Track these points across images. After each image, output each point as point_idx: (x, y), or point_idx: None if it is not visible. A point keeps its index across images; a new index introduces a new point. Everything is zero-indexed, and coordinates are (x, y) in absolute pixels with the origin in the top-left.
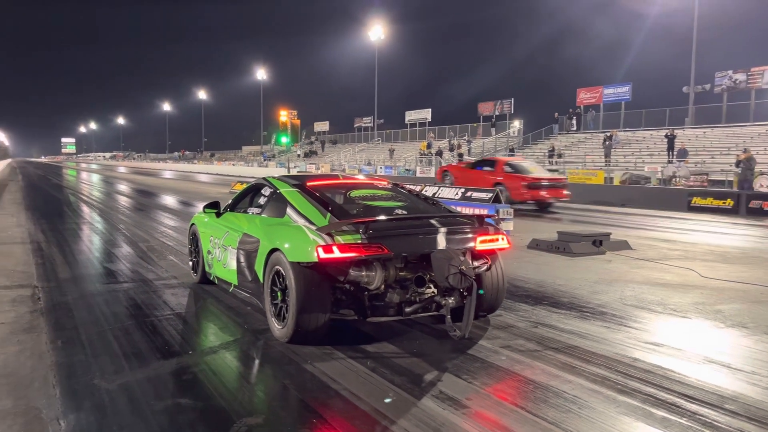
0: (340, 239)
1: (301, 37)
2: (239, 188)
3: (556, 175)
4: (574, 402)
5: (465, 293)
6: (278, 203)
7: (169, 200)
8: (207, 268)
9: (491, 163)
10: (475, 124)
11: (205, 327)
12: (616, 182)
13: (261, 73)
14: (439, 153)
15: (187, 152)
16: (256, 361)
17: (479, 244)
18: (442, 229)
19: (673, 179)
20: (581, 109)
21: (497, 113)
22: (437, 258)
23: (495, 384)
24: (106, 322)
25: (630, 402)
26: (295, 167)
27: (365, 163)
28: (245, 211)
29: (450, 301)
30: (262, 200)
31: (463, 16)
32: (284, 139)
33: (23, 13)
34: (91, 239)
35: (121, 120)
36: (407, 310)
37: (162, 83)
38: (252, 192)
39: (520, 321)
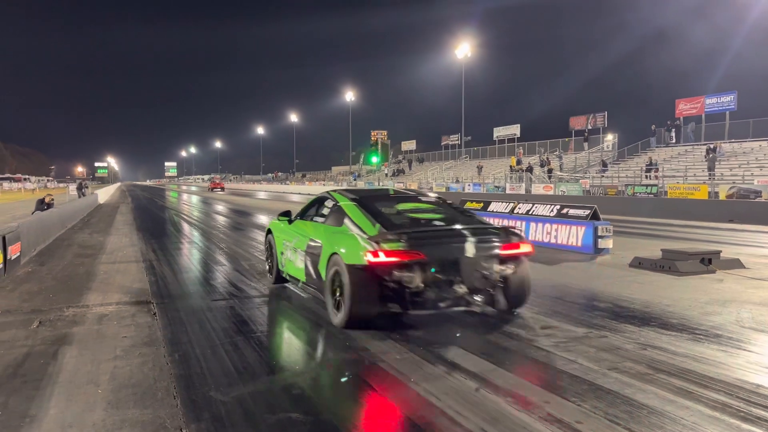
0: (385, 246)
1: (388, 59)
2: None
3: None
4: (694, 429)
5: (491, 291)
6: (338, 214)
7: (264, 220)
8: (280, 267)
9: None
10: (566, 139)
11: (309, 344)
12: (721, 197)
13: (349, 95)
14: (530, 169)
15: (279, 173)
16: (362, 379)
17: (503, 251)
18: (471, 239)
19: None
20: (681, 121)
21: (590, 127)
22: (465, 263)
23: (606, 408)
24: (216, 336)
25: (755, 431)
26: (383, 186)
27: (453, 181)
28: (312, 220)
29: (478, 299)
30: (325, 211)
31: (553, 29)
32: (375, 159)
33: (128, 45)
34: (197, 257)
35: (218, 144)
36: (441, 305)
37: (256, 108)
38: (317, 203)
39: (627, 342)
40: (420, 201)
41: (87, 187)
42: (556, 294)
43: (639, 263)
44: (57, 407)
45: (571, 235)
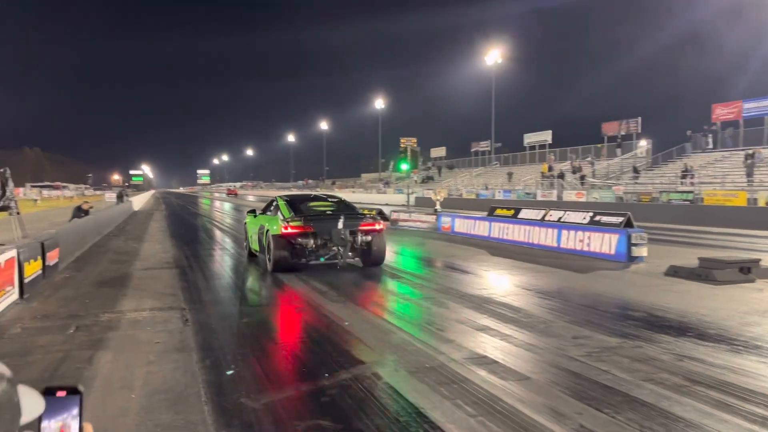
0: (291, 223)
1: (418, 66)
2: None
3: None
4: None
5: (358, 253)
6: (275, 209)
7: None
8: (250, 245)
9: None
10: (599, 145)
11: (337, 351)
12: (761, 203)
13: (379, 103)
14: (561, 175)
15: (310, 180)
16: (390, 387)
17: (362, 227)
18: (341, 220)
19: None
20: (717, 126)
21: (623, 133)
22: (336, 234)
23: (641, 420)
24: (247, 343)
25: None
26: (412, 193)
27: (483, 188)
28: (264, 213)
29: (340, 250)
30: (271, 207)
31: (586, 34)
32: (404, 166)
33: (164, 56)
34: (228, 264)
35: (249, 152)
36: (323, 259)
37: (287, 116)
38: (269, 203)
39: (663, 353)
40: (326, 200)
41: (127, 195)
42: (589, 303)
43: (675, 272)
44: (92, 412)
45: (604, 243)
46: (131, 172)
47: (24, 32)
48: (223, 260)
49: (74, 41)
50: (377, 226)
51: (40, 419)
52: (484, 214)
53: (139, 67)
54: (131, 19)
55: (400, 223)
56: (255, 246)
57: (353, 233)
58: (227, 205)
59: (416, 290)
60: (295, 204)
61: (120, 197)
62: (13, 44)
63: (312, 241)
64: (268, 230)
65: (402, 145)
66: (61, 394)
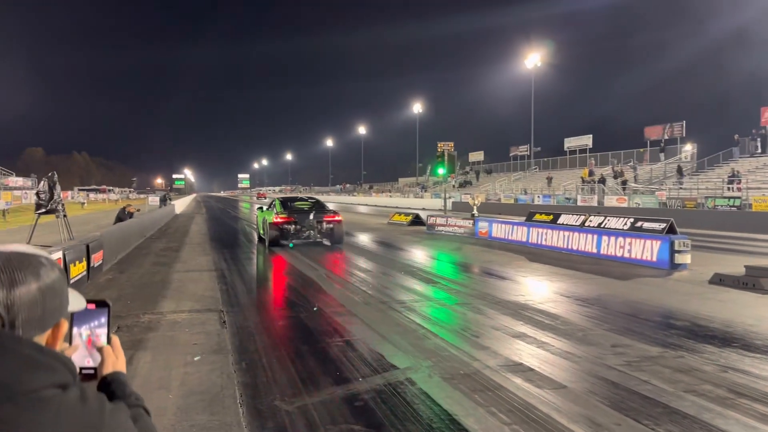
0: (280, 215)
1: (456, 71)
2: (398, 219)
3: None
4: None
5: (326, 235)
6: (273, 206)
7: None
8: (258, 231)
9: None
10: (641, 150)
11: (371, 356)
12: None
13: (417, 107)
14: (602, 180)
15: (347, 185)
16: (423, 393)
17: (326, 218)
18: (313, 212)
19: None
20: (766, 130)
21: (666, 137)
22: (306, 221)
23: None
24: (282, 346)
25: None
26: (449, 197)
27: (521, 192)
28: (266, 210)
29: (311, 233)
30: (272, 205)
31: (628, 35)
32: (441, 171)
33: (205, 62)
34: (266, 267)
35: (288, 156)
36: (302, 239)
37: (326, 121)
38: (270, 203)
39: (705, 364)
40: (306, 201)
41: (170, 199)
42: (629, 311)
43: (720, 280)
44: None
45: (646, 250)
46: (174, 176)
47: (74, 40)
48: (260, 264)
49: (121, 49)
50: (336, 218)
51: (71, 328)
52: (523, 219)
53: (181, 75)
54: (175, 29)
55: (437, 228)
56: (261, 231)
57: (320, 222)
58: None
59: (452, 296)
60: (285, 203)
61: (163, 201)
62: (63, 51)
63: (293, 227)
64: (266, 220)
65: (439, 150)
66: (91, 306)
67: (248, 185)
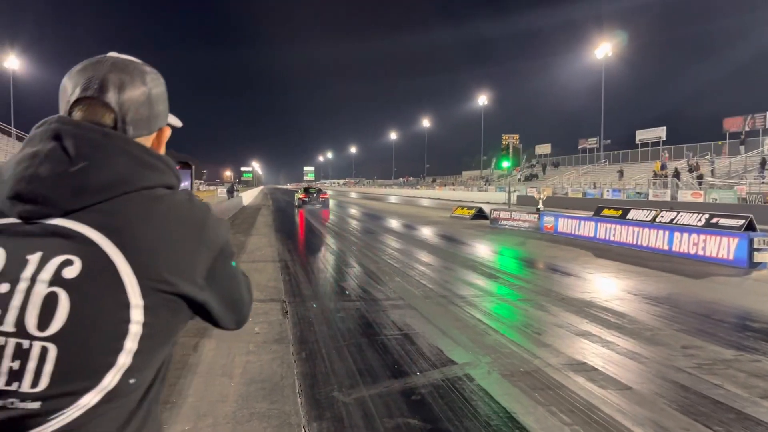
0: (301, 193)
1: (522, 61)
2: (461, 212)
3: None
4: None
5: (320, 203)
6: (299, 191)
7: (395, 224)
8: (294, 201)
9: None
10: (719, 142)
11: (431, 350)
12: None
13: (482, 99)
14: (676, 174)
15: (411, 178)
16: (481, 390)
17: (321, 194)
18: (313, 191)
19: None
20: None
21: (747, 128)
22: (311, 196)
23: None
24: (342, 337)
25: None
26: (514, 191)
27: (590, 186)
28: (298, 192)
29: (313, 202)
30: (299, 190)
31: (705, 22)
32: (506, 164)
33: (272, 61)
34: (328, 259)
35: (353, 149)
36: (311, 204)
37: (390, 114)
38: (302, 189)
39: None
40: (313, 188)
41: (237, 190)
42: (702, 311)
43: None
44: (194, 396)
45: (722, 247)
46: (242, 168)
47: (144, 39)
48: (323, 255)
49: (190, 49)
50: (326, 195)
51: None
52: (591, 214)
53: (250, 72)
54: (240, 30)
55: (501, 222)
56: (295, 201)
57: (317, 197)
58: (330, 202)
59: (514, 291)
60: (305, 189)
61: (230, 192)
62: (135, 49)
63: (307, 198)
64: (296, 195)
65: (504, 142)
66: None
67: (313, 178)
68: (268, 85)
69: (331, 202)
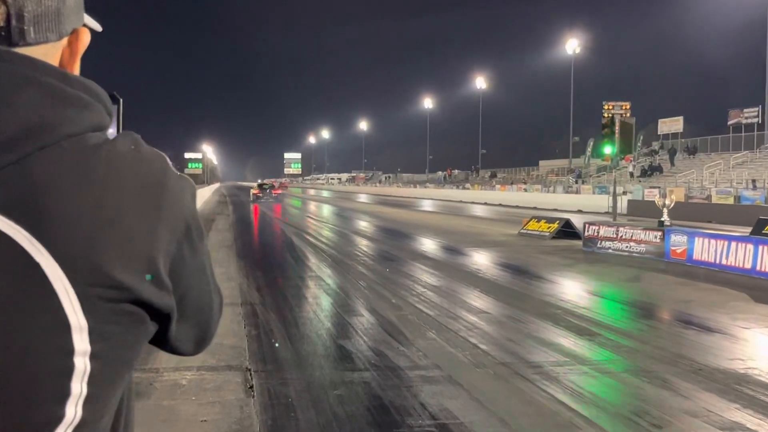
0: (255, 188)
1: None
2: (535, 227)
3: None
4: None
5: (275, 197)
6: (254, 187)
7: (429, 246)
8: (250, 197)
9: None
10: None
11: None
12: None
13: (572, 45)
14: None
15: (455, 171)
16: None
17: (273, 190)
18: (268, 189)
19: None
20: None
21: None
22: (264, 192)
23: None
24: (340, 430)
25: None
26: (624, 193)
27: (747, 185)
28: (253, 188)
29: (266, 197)
30: (254, 186)
31: None
32: (608, 150)
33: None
34: (321, 302)
35: (363, 125)
36: (264, 199)
37: (421, 70)
38: (256, 185)
39: None
40: (266, 184)
41: None
42: None
43: None
44: None
45: None
46: (187, 155)
47: None
48: (314, 295)
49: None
50: (279, 190)
51: None
52: (748, 231)
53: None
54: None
55: (601, 244)
56: (250, 197)
57: (270, 192)
58: (327, 209)
59: (620, 357)
60: (260, 185)
61: None
62: None
63: (260, 194)
64: (251, 190)
65: (605, 115)
66: None
67: (299, 170)
68: (236, 30)
69: (328, 211)
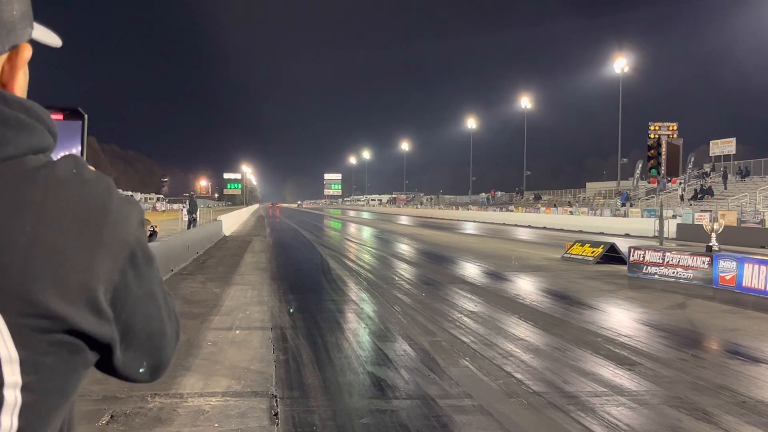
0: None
1: (685, 10)
2: (579, 251)
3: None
4: None
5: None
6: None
7: (468, 269)
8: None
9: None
10: None
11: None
12: None
13: (619, 64)
14: None
15: (499, 193)
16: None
17: (275, 208)
18: (273, 207)
19: None
20: None
21: None
22: (270, 209)
23: None
24: None
25: None
26: (673, 217)
27: None
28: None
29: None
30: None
31: None
32: (654, 172)
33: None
34: (352, 327)
35: (404, 146)
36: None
37: (465, 88)
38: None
39: None
40: (276, 206)
41: (194, 213)
42: None
43: None
44: None
45: None
46: (226, 175)
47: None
48: (346, 320)
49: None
50: (279, 212)
51: None
52: None
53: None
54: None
55: (647, 270)
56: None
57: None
58: (367, 232)
59: (661, 388)
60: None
61: (190, 212)
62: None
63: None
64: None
65: (651, 137)
66: (57, 116)
67: (339, 190)
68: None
69: (367, 233)
